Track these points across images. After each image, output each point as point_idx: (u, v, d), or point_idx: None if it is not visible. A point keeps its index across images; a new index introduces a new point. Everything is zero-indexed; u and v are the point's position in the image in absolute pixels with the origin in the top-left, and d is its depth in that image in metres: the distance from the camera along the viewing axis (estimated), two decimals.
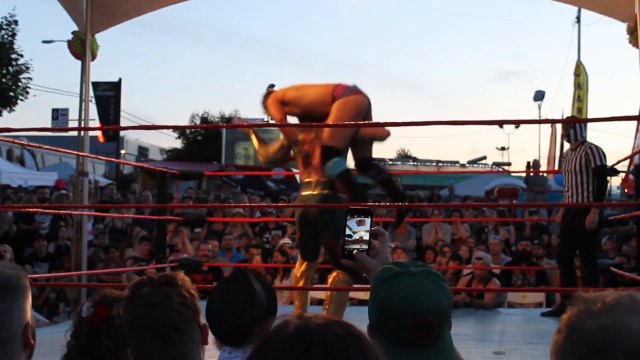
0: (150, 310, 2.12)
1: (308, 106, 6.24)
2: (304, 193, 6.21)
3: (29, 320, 1.86)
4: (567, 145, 7.95)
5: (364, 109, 6.10)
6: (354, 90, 6.07)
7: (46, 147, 6.92)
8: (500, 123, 7.02)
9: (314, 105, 6.21)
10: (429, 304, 1.84)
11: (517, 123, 7.71)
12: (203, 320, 2.25)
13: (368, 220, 2.20)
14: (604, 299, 1.14)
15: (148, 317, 2.10)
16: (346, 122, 5.90)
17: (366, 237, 2.20)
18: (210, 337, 3.04)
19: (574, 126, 7.49)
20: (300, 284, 6.27)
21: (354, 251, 2.19)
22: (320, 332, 1.14)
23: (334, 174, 6.00)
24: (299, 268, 6.25)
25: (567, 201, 7.53)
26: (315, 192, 6.11)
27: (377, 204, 6.32)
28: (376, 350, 1.18)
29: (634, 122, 14.84)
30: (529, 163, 13.59)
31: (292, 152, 6.49)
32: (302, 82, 6.47)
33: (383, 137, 6.48)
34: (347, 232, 2.20)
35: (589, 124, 24.16)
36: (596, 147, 7.37)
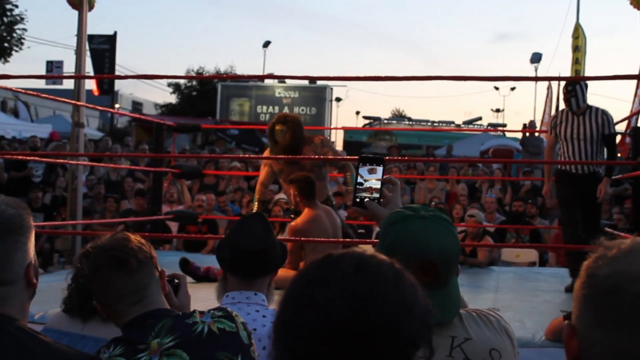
0: (109, 244, 2.17)
1: None
2: None
3: (32, 260, 1.87)
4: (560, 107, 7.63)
5: None
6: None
7: (43, 95, 6.87)
8: (494, 80, 6.89)
9: None
10: (437, 248, 1.87)
11: (512, 80, 7.51)
12: (160, 268, 2.28)
13: (380, 169, 2.18)
14: (621, 245, 1.17)
15: (107, 251, 2.15)
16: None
17: (377, 185, 2.18)
18: (210, 293, 3.07)
19: (575, 92, 6.76)
20: None
21: (365, 199, 2.17)
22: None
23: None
24: None
25: (572, 170, 6.84)
26: None
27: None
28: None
29: (633, 87, 14.82)
30: (524, 125, 13.59)
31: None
32: None
33: None
34: (359, 179, 2.18)
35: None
36: (609, 113, 6.79)
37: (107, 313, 2.20)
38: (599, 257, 1.17)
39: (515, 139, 22.59)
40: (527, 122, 15.44)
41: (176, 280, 2.49)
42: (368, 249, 1.32)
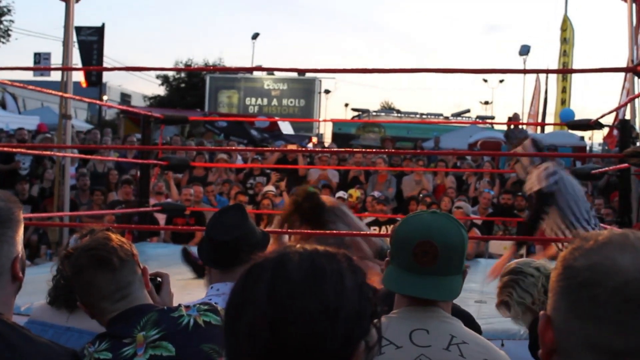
0: (90, 245, 2.18)
1: None
2: None
3: (19, 254, 1.87)
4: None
5: None
6: None
7: (30, 87, 6.83)
8: (483, 72, 6.84)
9: None
10: (438, 232, 2.00)
11: (501, 72, 7.40)
12: (142, 265, 2.29)
13: None
14: (598, 236, 1.17)
15: (89, 251, 2.16)
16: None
17: None
18: (200, 287, 3.06)
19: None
20: None
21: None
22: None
23: None
24: None
25: None
26: None
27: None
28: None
29: (620, 79, 14.85)
30: (509, 118, 13.62)
31: None
32: None
33: None
34: None
35: (574, 77, 24.17)
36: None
37: (92, 312, 2.20)
38: (576, 249, 1.17)
39: (503, 131, 22.63)
40: (511, 114, 15.45)
41: (159, 279, 2.50)
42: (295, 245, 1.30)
